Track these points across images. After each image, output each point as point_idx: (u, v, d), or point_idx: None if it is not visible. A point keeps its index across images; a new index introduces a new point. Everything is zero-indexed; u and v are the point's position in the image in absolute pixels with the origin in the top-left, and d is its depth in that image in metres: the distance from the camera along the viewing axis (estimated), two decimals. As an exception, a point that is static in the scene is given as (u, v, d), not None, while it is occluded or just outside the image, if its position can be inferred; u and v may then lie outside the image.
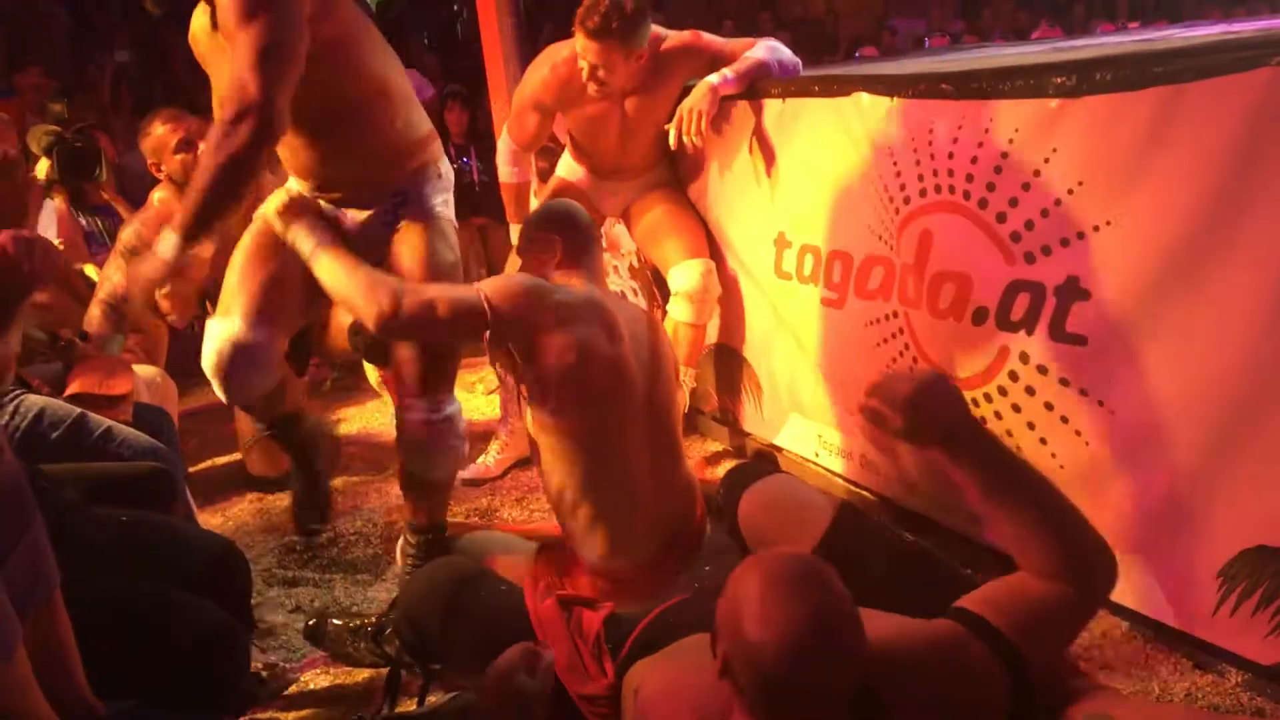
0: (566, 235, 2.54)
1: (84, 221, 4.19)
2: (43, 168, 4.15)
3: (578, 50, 3.33)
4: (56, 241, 3.96)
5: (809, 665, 1.38)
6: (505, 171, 3.82)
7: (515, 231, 3.78)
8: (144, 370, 3.57)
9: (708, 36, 3.54)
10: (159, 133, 3.63)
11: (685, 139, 3.29)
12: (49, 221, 4.15)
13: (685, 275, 3.60)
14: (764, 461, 3.58)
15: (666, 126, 3.33)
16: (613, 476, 2.41)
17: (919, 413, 1.60)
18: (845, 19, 10.71)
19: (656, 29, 3.47)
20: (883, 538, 2.23)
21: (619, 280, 4.39)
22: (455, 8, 9.77)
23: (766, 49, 3.45)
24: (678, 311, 3.63)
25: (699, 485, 2.67)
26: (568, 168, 3.87)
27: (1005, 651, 1.53)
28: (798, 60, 3.50)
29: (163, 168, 3.69)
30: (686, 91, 3.42)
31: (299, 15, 2.37)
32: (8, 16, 8.51)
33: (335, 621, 2.72)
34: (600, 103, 3.49)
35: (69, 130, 4.21)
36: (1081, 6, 10.21)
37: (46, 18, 8.76)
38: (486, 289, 2.33)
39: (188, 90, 7.32)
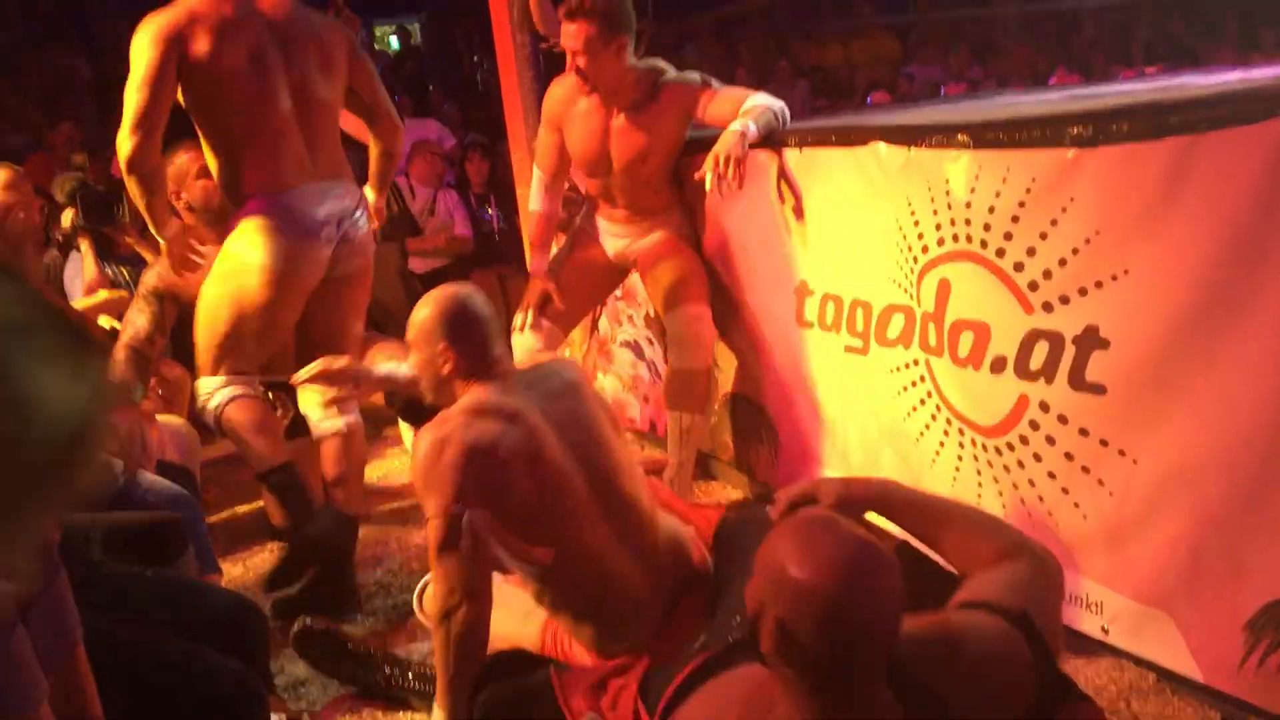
0: (460, 344, 2.38)
1: (109, 270, 4.23)
2: (68, 217, 4.21)
3: (563, 40, 3.49)
4: (82, 294, 4.01)
5: (859, 593, 1.43)
6: (533, 199, 3.94)
7: (538, 260, 3.89)
8: (166, 419, 3.60)
9: (706, 88, 3.61)
10: (180, 161, 3.63)
11: (720, 183, 3.29)
12: (74, 272, 4.20)
13: (679, 320, 3.64)
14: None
15: (698, 175, 3.34)
16: (583, 572, 2.34)
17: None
18: (862, 66, 10.77)
19: (659, 62, 3.64)
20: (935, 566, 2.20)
21: (634, 330, 4.40)
22: (475, 59, 9.90)
23: (764, 98, 3.49)
24: (675, 358, 3.66)
25: (688, 527, 2.59)
26: (585, 219, 3.95)
27: (1024, 628, 1.58)
28: (786, 109, 3.53)
29: (183, 195, 3.66)
30: (698, 144, 3.48)
31: None
32: (38, 75, 8.68)
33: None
34: (590, 114, 3.62)
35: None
36: (1099, 51, 10.25)
37: (70, 72, 8.92)
38: (431, 505, 2.23)
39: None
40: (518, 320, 3.84)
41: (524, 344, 3.78)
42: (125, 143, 3.01)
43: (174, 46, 3.03)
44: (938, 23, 10.90)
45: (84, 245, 4.14)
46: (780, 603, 1.46)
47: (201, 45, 3.06)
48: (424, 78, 10.46)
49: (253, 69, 3.14)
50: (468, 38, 11.02)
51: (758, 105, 3.42)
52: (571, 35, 3.44)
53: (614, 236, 3.88)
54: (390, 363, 2.97)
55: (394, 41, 12.76)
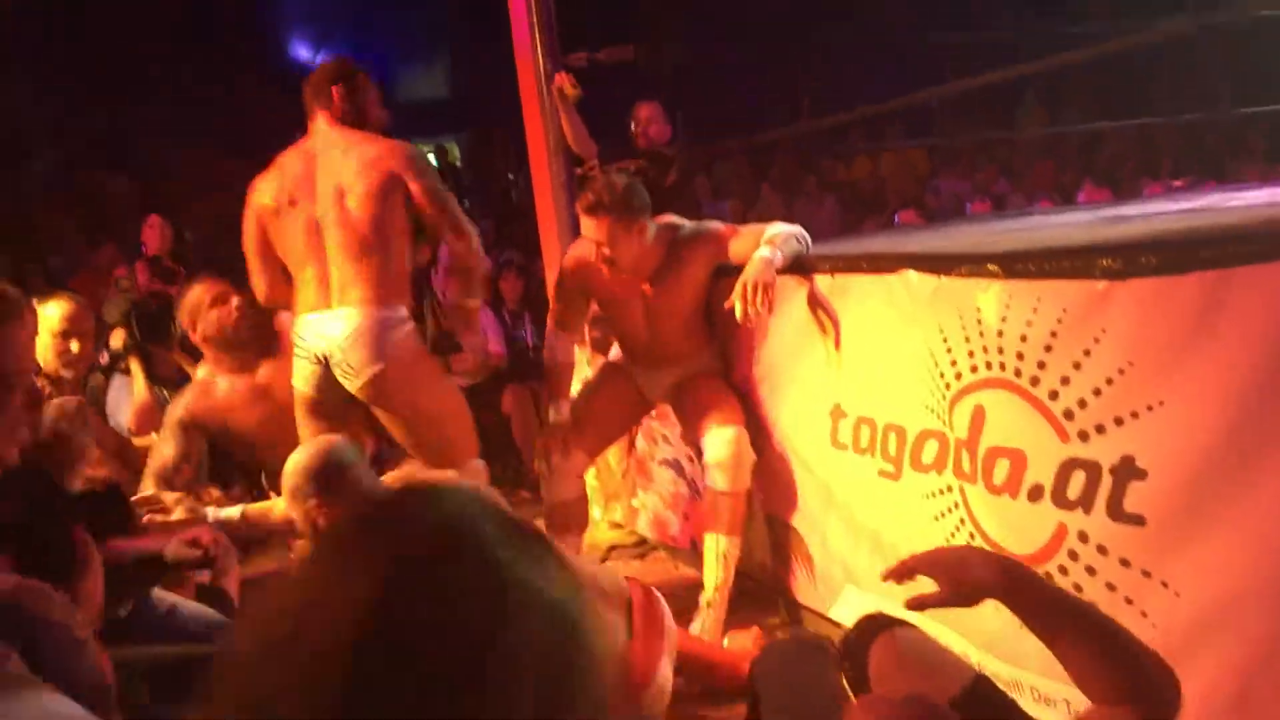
0: (329, 496, 2.53)
1: (156, 392, 4.31)
2: (118, 337, 4.30)
3: (584, 232, 3.58)
4: (128, 419, 4.07)
5: None
6: (548, 350, 3.98)
7: (554, 408, 3.94)
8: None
9: (725, 227, 3.75)
10: (194, 294, 3.70)
11: (750, 311, 3.34)
12: (120, 396, 4.27)
13: (716, 444, 3.65)
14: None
15: (727, 305, 3.40)
16: None
17: (958, 586, 1.67)
18: (889, 180, 10.93)
19: (673, 219, 3.72)
20: (1014, 709, 2.16)
21: (672, 448, 4.42)
22: (510, 176, 10.12)
23: (785, 226, 3.57)
24: (713, 481, 3.67)
25: None
26: (616, 352, 4.02)
27: None
28: (808, 236, 3.61)
29: (198, 327, 3.69)
30: (726, 270, 3.55)
31: None
32: (83, 195, 8.95)
33: None
34: (621, 287, 3.70)
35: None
36: (1128, 164, 10.36)
37: (114, 191, 9.21)
38: None
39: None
40: (539, 466, 3.91)
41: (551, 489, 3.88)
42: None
43: (252, 209, 3.57)
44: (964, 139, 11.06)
45: (134, 365, 4.22)
46: None
47: (266, 196, 3.51)
48: (461, 195, 10.70)
49: (290, 205, 3.43)
50: (504, 155, 11.31)
51: (780, 233, 3.49)
52: (593, 229, 3.54)
53: (646, 379, 3.97)
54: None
55: (432, 160, 13.08)
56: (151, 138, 11.85)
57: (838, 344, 3.37)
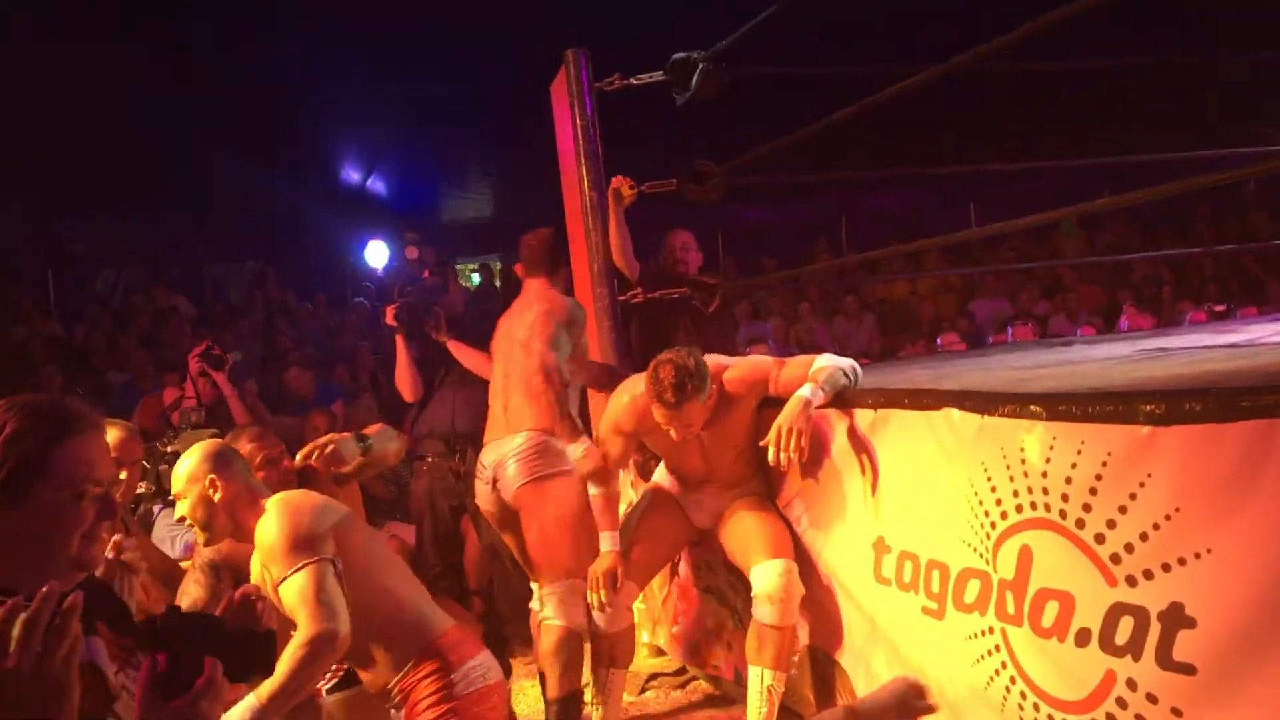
0: (224, 473, 2.91)
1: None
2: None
3: (660, 420, 3.58)
4: (182, 555, 4.11)
5: None
6: (594, 484, 3.98)
7: (606, 538, 3.93)
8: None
9: (766, 359, 3.82)
10: (246, 449, 3.59)
11: (781, 457, 3.40)
12: (175, 527, 4.28)
13: (765, 576, 3.64)
14: None
15: (762, 443, 3.45)
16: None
17: None
18: (928, 300, 10.99)
19: (718, 359, 3.76)
20: None
21: (713, 575, 4.41)
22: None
23: (833, 359, 3.62)
24: (761, 613, 3.64)
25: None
26: (663, 476, 4.05)
27: None
28: (858, 366, 3.66)
29: None
30: (770, 403, 3.59)
31: None
32: (139, 315, 9.18)
33: None
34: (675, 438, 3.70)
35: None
36: (1168, 287, 10.36)
37: (169, 312, 9.44)
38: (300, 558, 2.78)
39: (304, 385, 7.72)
40: (591, 599, 3.91)
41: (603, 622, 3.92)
42: None
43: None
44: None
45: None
46: None
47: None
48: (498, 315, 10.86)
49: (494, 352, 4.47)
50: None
51: (826, 367, 3.53)
52: (678, 418, 3.54)
53: (696, 506, 3.99)
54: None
55: (475, 277, 13.33)
56: (206, 257, 12.20)
57: (876, 478, 3.39)
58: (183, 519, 3.02)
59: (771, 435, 3.43)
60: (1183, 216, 11.98)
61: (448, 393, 5.48)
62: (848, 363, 3.62)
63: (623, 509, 4.62)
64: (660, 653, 4.94)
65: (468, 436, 5.32)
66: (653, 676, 4.80)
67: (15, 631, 1.32)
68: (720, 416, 3.69)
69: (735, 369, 3.76)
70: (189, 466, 2.94)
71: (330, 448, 3.54)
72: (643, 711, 4.56)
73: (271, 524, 2.83)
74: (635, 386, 3.80)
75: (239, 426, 3.92)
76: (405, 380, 5.43)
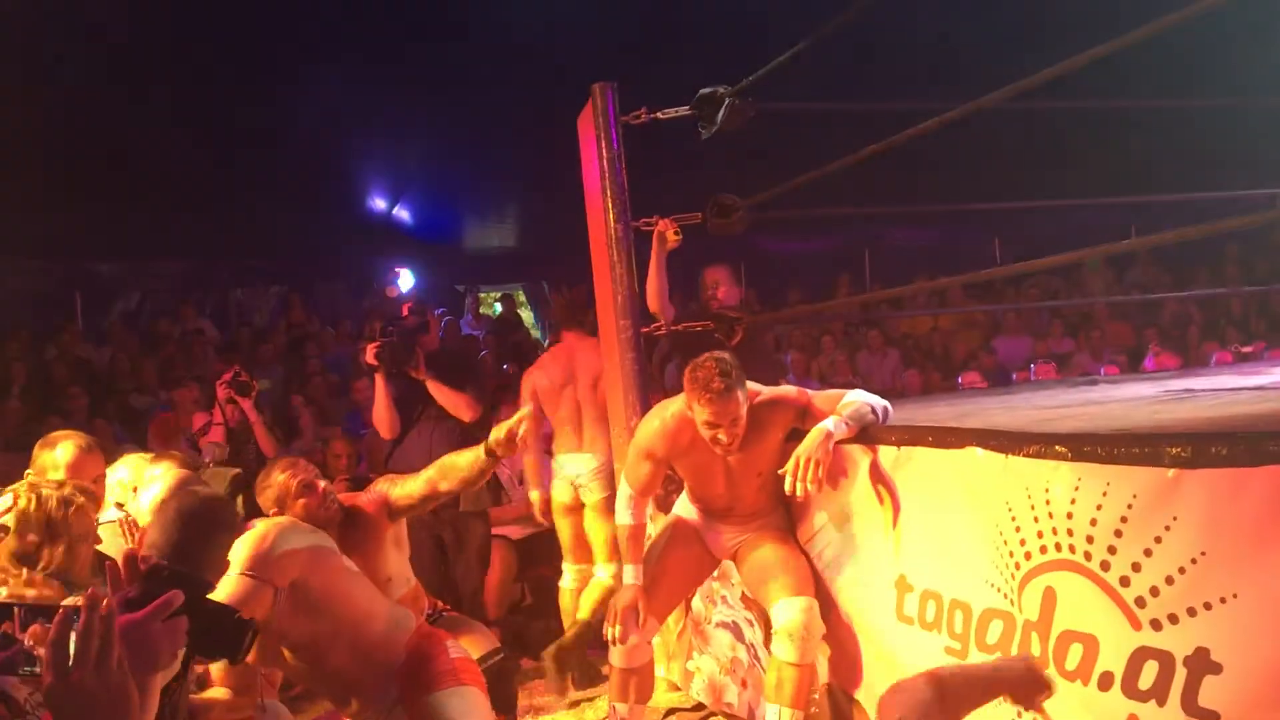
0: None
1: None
2: None
3: (702, 420, 3.55)
4: None
5: None
6: (622, 514, 3.98)
7: (630, 571, 3.91)
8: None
9: (797, 389, 3.79)
10: (280, 479, 3.63)
11: (798, 487, 3.40)
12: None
13: (787, 612, 3.61)
14: None
15: (781, 472, 3.45)
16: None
17: None
18: (951, 335, 10.95)
19: (751, 386, 3.71)
20: None
21: (730, 610, 4.38)
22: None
23: (864, 395, 3.61)
24: (781, 650, 3.62)
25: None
26: (684, 507, 4.03)
27: None
28: (888, 404, 3.65)
29: (284, 511, 3.60)
30: (793, 435, 3.57)
31: None
32: (165, 337, 9.25)
33: None
34: (706, 455, 3.69)
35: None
36: (1194, 327, 10.29)
37: (196, 335, 9.50)
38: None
39: (327, 412, 7.76)
40: (609, 633, 3.88)
41: (623, 657, 3.91)
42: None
43: (530, 384, 5.67)
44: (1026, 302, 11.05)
45: None
46: None
47: (544, 380, 5.63)
48: (523, 345, 10.91)
49: (562, 386, 5.56)
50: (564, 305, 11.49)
51: (854, 402, 3.52)
52: (725, 411, 3.51)
53: (716, 535, 3.96)
54: None
55: (498, 306, 13.39)
56: (231, 283, 12.28)
57: (899, 515, 3.37)
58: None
59: (790, 465, 3.42)
60: (1212, 256, 11.91)
61: (426, 427, 5.59)
62: (878, 401, 3.60)
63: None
64: (676, 688, 4.91)
65: None
66: (670, 712, 4.76)
67: (72, 644, 1.34)
68: (748, 441, 3.66)
69: (765, 395, 3.74)
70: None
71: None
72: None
73: (248, 536, 2.94)
74: (664, 410, 3.80)
75: (269, 461, 3.90)
76: (384, 418, 5.58)
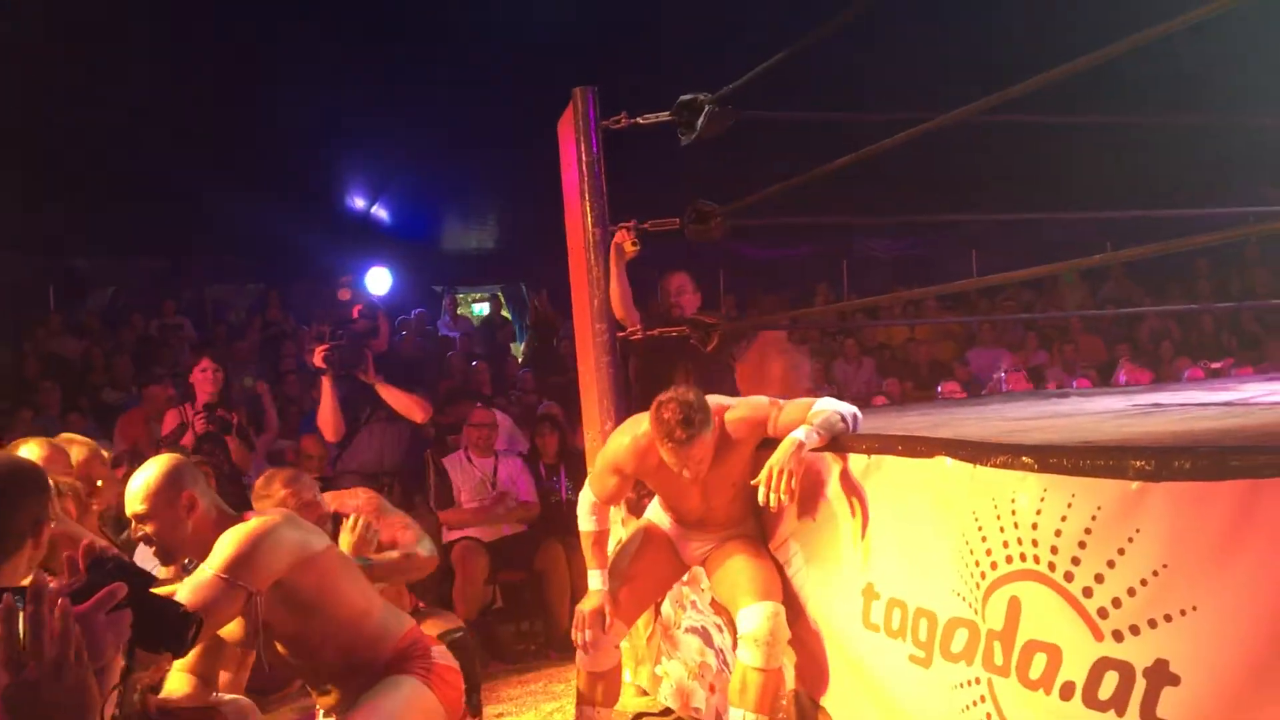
0: (198, 487, 2.88)
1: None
2: None
3: (669, 458, 3.56)
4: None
5: None
6: (585, 520, 3.97)
7: (595, 577, 3.91)
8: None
9: (764, 400, 3.77)
10: (280, 494, 3.68)
11: (771, 497, 3.41)
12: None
13: (752, 618, 3.63)
14: None
15: (753, 482, 3.46)
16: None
17: None
18: (926, 345, 11.03)
19: (718, 399, 3.75)
20: None
21: (700, 615, 4.39)
22: (560, 333, 10.25)
23: (833, 403, 3.62)
24: (746, 656, 3.63)
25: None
26: (656, 514, 4.04)
27: None
28: (858, 411, 3.66)
29: None
30: (765, 443, 3.59)
31: None
32: (139, 332, 9.20)
33: None
34: (675, 473, 3.68)
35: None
36: (1167, 342, 10.39)
37: (173, 331, 9.46)
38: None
39: (300, 403, 7.74)
40: (577, 637, 3.87)
41: (589, 661, 3.90)
42: None
43: None
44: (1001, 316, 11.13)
45: None
46: None
47: None
48: (504, 344, 10.92)
49: None
50: (544, 309, 11.50)
51: (824, 411, 3.53)
52: (689, 455, 3.52)
53: (686, 542, 3.98)
54: None
55: (478, 308, 13.40)
56: (208, 279, 12.23)
57: (867, 523, 3.39)
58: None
59: (763, 475, 3.44)
60: (1184, 273, 12.04)
61: (376, 428, 5.61)
62: (848, 408, 3.62)
63: (613, 545, 4.61)
64: (644, 693, 4.91)
65: (395, 472, 5.42)
66: (638, 716, 4.77)
67: (22, 638, 1.30)
68: (720, 457, 3.67)
69: (735, 409, 3.74)
70: (154, 485, 2.84)
71: (367, 531, 3.67)
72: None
73: (233, 534, 2.84)
74: (636, 427, 3.78)
75: (270, 472, 3.90)
76: (329, 421, 5.61)
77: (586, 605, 3.88)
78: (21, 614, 1.32)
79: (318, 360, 5.49)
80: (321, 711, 3.41)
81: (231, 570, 2.76)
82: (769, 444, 3.64)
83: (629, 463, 3.82)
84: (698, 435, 3.49)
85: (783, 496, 3.40)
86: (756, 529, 3.92)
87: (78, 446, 3.85)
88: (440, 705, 3.12)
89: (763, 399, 3.83)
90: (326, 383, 5.51)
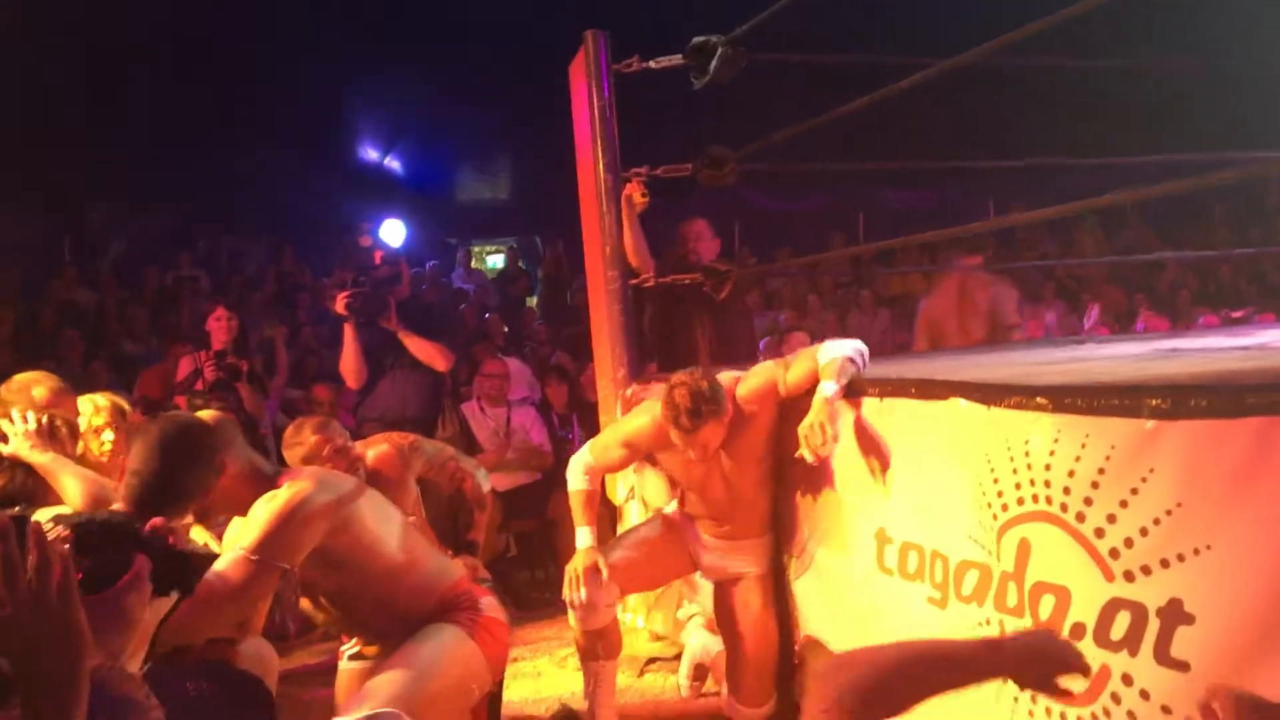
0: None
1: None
2: None
3: (678, 442, 3.56)
4: None
5: None
6: (577, 479, 3.93)
7: (584, 534, 3.85)
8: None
9: (770, 364, 3.73)
10: (312, 440, 3.65)
11: (818, 453, 3.37)
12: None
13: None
14: None
15: (797, 454, 3.43)
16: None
17: None
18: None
19: (730, 374, 3.71)
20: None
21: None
22: (575, 285, 10.24)
23: (839, 347, 3.56)
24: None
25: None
26: (676, 511, 4.06)
27: None
28: (862, 346, 3.63)
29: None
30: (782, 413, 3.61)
31: None
32: (155, 287, 9.21)
33: None
34: (694, 462, 3.68)
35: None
36: (1185, 291, 10.31)
37: (189, 283, 9.47)
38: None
39: (317, 355, 7.75)
40: (572, 597, 3.80)
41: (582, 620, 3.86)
42: None
43: None
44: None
45: None
46: None
47: None
48: (519, 297, 10.90)
49: None
50: (558, 261, 11.48)
51: (835, 359, 3.49)
52: (696, 440, 3.53)
53: (706, 550, 3.96)
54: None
55: (492, 260, 13.37)
56: (223, 231, 12.23)
57: (884, 467, 3.37)
58: None
59: (802, 442, 3.38)
60: (1204, 220, 11.92)
61: (400, 375, 5.60)
62: (852, 347, 3.57)
63: (622, 494, 4.64)
64: (659, 638, 4.94)
65: (417, 421, 5.42)
66: (651, 661, 4.80)
67: None
68: (737, 434, 3.64)
69: (746, 381, 3.69)
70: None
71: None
72: (642, 696, 4.57)
73: (264, 509, 2.80)
74: (655, 407, 3.70)
75: (300, 420, 3.88)
76: (351, 367, 5.59)
77: (578, 563, 3.78)
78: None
79: (340, 306, 5.49)
80: (346, 655, 3.43)
81: (263, 550, 2.73)
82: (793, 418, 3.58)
83: (645, 442, 3.81)
84: (705, 424, 3.48)
85: (823, 451, 3.34)
86: (772, 549, 3.91)
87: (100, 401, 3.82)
88: (483, 657, 3.09)
89: (769, 363, 3.78)
90: (349, 329, 5.51)
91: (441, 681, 2.96)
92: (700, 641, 4.47)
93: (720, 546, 3.92)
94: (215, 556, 2.69)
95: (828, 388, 3.42)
